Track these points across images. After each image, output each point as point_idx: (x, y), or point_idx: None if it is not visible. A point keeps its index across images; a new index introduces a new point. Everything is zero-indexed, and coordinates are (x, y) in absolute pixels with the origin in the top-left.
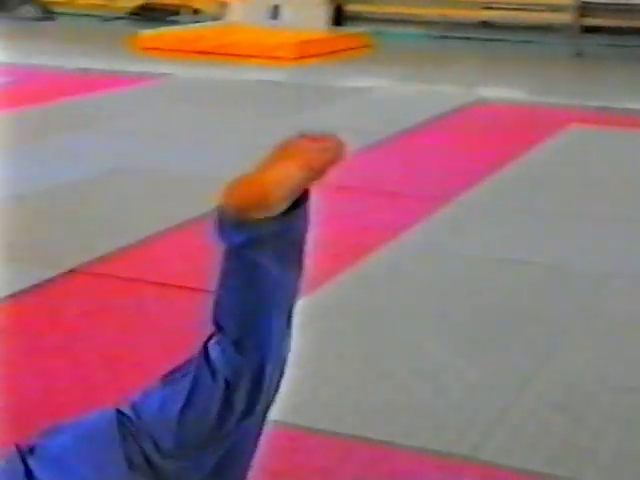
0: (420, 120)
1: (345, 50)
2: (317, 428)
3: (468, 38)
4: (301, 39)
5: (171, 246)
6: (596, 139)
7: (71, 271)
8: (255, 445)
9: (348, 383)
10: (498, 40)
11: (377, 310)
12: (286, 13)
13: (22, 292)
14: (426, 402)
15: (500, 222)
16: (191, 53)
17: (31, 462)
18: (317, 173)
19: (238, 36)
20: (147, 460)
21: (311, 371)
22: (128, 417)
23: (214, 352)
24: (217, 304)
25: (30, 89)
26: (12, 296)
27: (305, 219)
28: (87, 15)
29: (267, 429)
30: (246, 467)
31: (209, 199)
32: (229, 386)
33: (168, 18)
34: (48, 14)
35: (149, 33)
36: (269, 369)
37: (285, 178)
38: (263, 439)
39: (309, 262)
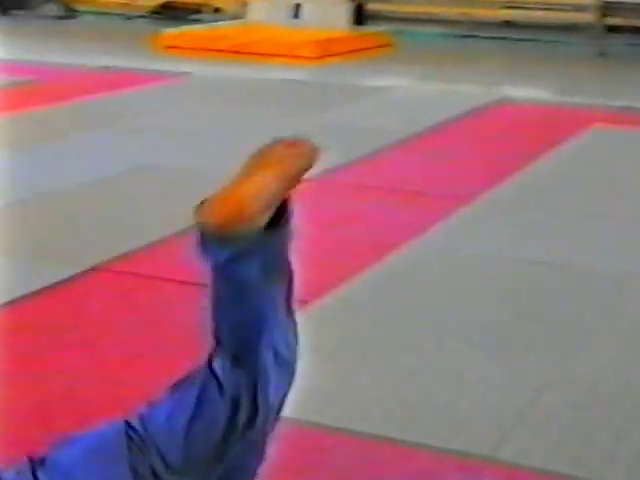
0: (441, 119)
1: (366, 49)
2: (337, 427)
3: (490, 37)
4: (322, 38)
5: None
6: (618, 139)
7: (93, 269)
8: (259, 458)
9: (369, 382)
10: (520, 39)
11: (398, 309)
12: (307, 12)
13: (45, 289)
14: (447, 402)
15: (522, 222)
16: (212, 52)
17: (40, 474)
18: (293, 180)
19: (259, 35)
20: (154, 475)
21: (332, 370)
22: (135, 430)
23: (217, 366)
24: (212, 319)
25: (52, 87)
26: (35, 293)
27: (287, 228)
28: (109, 13)
29: (287, 428)
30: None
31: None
32: (233, 399)
33: (189, 17)
34: (70, 12)
35: (171, 32)
36: (270, 381)
37: (261, 189)
38: (284, 438)
39: (329, 260)
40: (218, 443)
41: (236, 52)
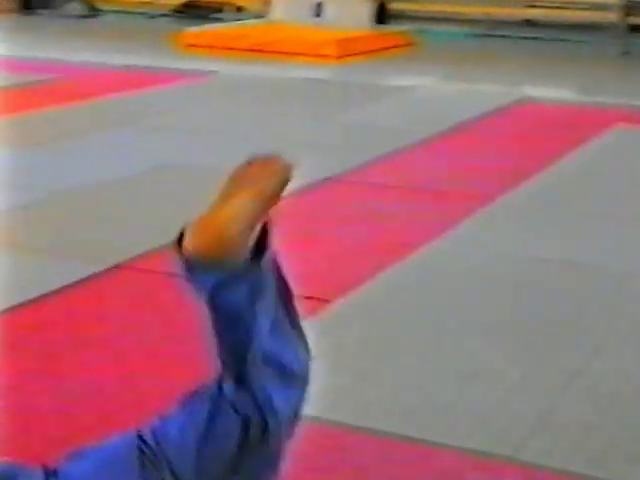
0: (463, 119)
1: (388, 48)
2: (358, 426)
3: (512, 37)
4: (345, 37)
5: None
6: None
7: (116, 266)
8: (274, 470)
9: (390, 382)
10: (542, 39)
11: (418, 308)
12: (329, 11)
13: (69, 287)
14: (468, 402)
15: (543, 222)
16: (235, 50)
17: None
18: (270, 200)
19: (281, 34)
20: None
21: (353, 369)
22: (147, 444)
23: (225, 386)
24: (213, 341)
25: (75, 86)
26: (59, 290)
27: (270, 249)
28: (132, 12)
29: (308, 426)
30: None
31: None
32: (243, 418)
33: (211, 15)
34: (94, 11)
35: (193, 30)
36: (273, 399)
37: (239, 213)
38: (304, 436)
39: (350, 260)
40: (230, 458)
41: (258, 51)
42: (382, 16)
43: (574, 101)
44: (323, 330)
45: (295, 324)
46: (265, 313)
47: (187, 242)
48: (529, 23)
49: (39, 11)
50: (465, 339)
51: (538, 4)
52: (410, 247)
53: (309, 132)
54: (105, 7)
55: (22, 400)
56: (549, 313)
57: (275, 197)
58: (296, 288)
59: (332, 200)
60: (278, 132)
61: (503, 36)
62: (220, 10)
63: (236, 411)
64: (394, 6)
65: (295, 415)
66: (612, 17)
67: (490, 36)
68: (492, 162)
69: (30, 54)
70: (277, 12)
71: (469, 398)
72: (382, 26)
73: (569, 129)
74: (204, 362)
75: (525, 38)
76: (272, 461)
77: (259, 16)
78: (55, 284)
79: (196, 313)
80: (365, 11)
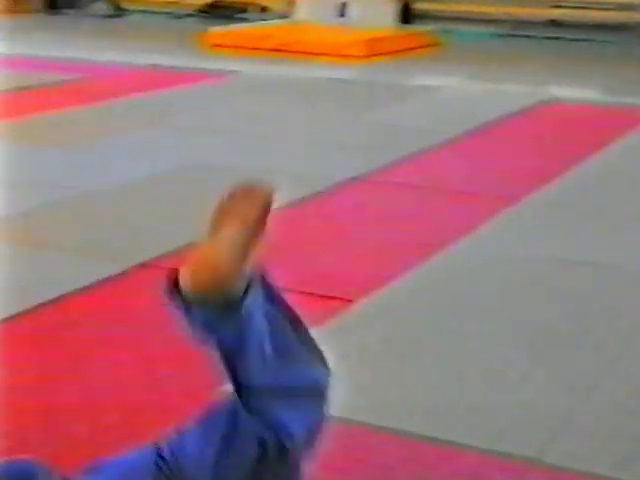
0: (488, 119)
1: (413, 48)
2: (382, 426)
3: (536, 37)
4: (370, 37)
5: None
6: None
7: (142, 265)
8: None
9: (414, 382)
10: (567, 39)
11: (443, 309)
12: (353, 11)
13: (95, 285)
14: (492, 402)
15: (568, 223)
16: (259, 50)
17: None
18: (255, 227)
19: (306, 34)
20: None
21: (378, 369)
22: (165, 459)
23: (239, 409)
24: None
25: (101, 85)
26: (85, 289)
27: (264, 281)
28: (157, 12)
29: (332, 426)
30: None
31: (280, 195)
32: (259, 440)
33: (236, 15)
34: (119, 11)
35: (218, 30)
36: (284, 421)
37: (228, 245)
38: (329, 435)
39: (375, 260)
40: (248, 475)
41: (283, 51)
42: (406, 16)
43: (599, 102)
44: (346, 330)
45: (304, 341)
46: (261, 342)
47: (184, 281)
48: (554, 23)
49: (65, 11)
50: (489, 340)
51: (563, 4)
52: (434, 247)
53: (334, 132)
54: (131, 7)
55: (48, 398)
56: (574, 314)
57: (259, 224)
58: (320, 288)
59: (357, 200)
60: (303, 132)
61: (528, 36)
62: (245, 10)
63: (249, 434)
64: (418, 6)
65: (314, 434)
66: (638, 17)
67: (515, 36)
68: (516, 163)
69: (56, 54)
70: (301, 12)
71: (493, 399)
72: (406, 26)
73: (594, 130)
74: None
75: (550, 38)
76: (291, 476)
77: (283, 16)
78: (81, 282)
79: None
80: (390, 11)
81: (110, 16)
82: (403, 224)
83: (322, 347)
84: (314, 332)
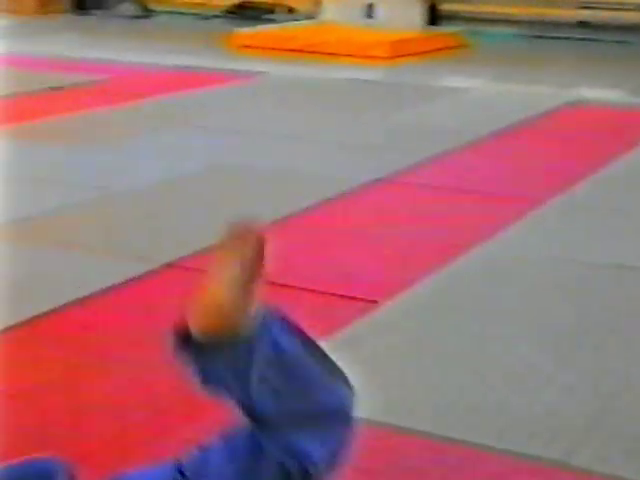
0: (515, 121)
1: (440, 50)
2: (409, 428)
3: (564, 38)
4: (396, 38)
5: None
6: None
7: (167, 265)
8: None
9: (442, 384)
10: (595, 40)
11: (467, 311)
12: (380, 12)
13: (120, 285)
14: (519, 405)
15: (594, 225)
16: (286, 51)
17: None
18: (253, 264)
19: (333, 35)
20: None
21: (406, 371)
22: (185, 476)
23: (258, 434)
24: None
25: (128, 86)
26: (110, 289)
27: (275, 313)
28: (184, 13)
29: (358, 428)
30: None
31: (305, 197)
32: (280, 465)
33: (263, 16)
34: (147, 12)
35: (245, 31)
36: (315, 449)
37: (229, 285)
38: (356, 437)
39: (399, 261)
40: None
41: (310, 52)
42: (433, 17)
43: (627, 103)
44: (371, 331)
45: (324, 366)
46: (275, 376)
47: (194, 327)
48: (582, 24)
49: (92, 11)
50: (514, 342)
51: (591, 5)
52: (459, 249)
53: (361, 133)
54: (158, 8)
55: (74, 397)
56: (600, 317)
57: (256, 261)
58: (344, 289)
59: (383, 201)
60: (330, 133)
61: (555, 37)
62: (272, 11)
63: (270, 458)
64: (445, 7)
65: (339, 453)
66: None
67: (542, 37)
68: (542, 164)
69: (84, 54)
70: (328, 13)
71: (519, 401)
72: (433, 27)
73: (621, 131)
74: None
75: (577, 39)
76: None
77: (310, 17)
78: (106, 282)
79: None
80: (416, 12)
81: (137, 17)
82: (428, 226)
83: (347, 352)
84: (339, 334)
